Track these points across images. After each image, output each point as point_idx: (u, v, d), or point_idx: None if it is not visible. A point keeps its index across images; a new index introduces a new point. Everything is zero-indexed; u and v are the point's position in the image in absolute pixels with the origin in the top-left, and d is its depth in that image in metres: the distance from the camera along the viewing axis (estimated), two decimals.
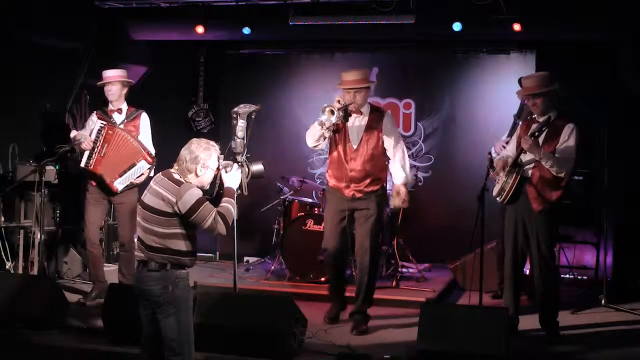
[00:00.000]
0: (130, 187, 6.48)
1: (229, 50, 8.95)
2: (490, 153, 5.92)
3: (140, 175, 6.48)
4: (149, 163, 6.47)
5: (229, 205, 4.15)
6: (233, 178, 4.28)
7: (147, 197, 4.06)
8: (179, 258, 4.04)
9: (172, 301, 4.00)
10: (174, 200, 3.97)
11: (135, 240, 4.22)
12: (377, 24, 7.37)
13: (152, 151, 6.55)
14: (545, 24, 7.34)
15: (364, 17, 7.38)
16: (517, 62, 8.15)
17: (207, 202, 4.04)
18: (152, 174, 6.47)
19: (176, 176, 4.06)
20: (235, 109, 4.51)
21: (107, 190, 6.45)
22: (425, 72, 8.55)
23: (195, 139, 4.19)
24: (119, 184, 6.42)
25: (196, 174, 4.10)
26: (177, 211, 3.97)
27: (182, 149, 4.12)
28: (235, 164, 4.34)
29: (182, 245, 4.04)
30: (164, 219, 3.99)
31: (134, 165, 6.43)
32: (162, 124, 7.01)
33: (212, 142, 4.18)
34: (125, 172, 6.42)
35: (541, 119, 5.44)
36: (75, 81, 8.06)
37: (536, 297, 5.61)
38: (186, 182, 4.05)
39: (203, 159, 4.08)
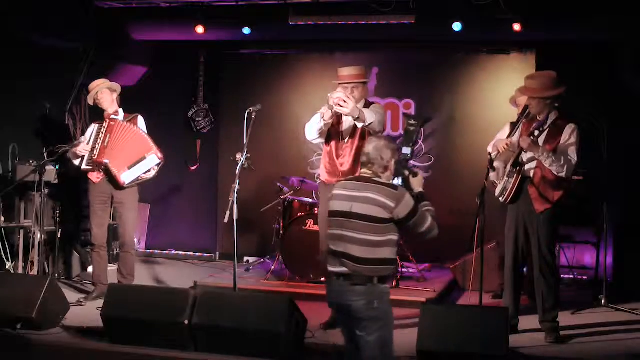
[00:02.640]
0: (134, 184, 6.47)
1: (229, 50, 8.95)
2: (490, 154, 5.91)
3: (148, 171, 6.46)
4: (159, 159, 6.45)
5: (431, 207, 4.12)
6: (419, 182, 4.25)
7: (356, 207, 3.95)
8: (387, 268, 3.97)
9: (376, 317, 3.90)
10: (393, 205, 3.91)
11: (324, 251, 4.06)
12: (377, 24, 7.38)
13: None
14: (545, 24, 7.34)
15: (364, 17, 7.39)
16: (517, 62, 8.15)
17: None
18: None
19: (381, 179, 4.03)
20: (412, 121, 4.54)
21: (113, 183, 6.42)
22: (425, 72, 8.54)
23: (371, 139, 4.18)
24: (126, 177, 6.38)
25: (390, 170, 4.10)
26: (395, 216, 3.92)
27: (370, 150, 4.06)
28: (419, 170, 4.30)
29: (390, 253, 3.99)
30: (380, 226, 3.92)
31: (144, 158, 6.40)
32: (162, 124, 7.01)
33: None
34: (134, 164, 6.39)
35: (540, 118, 5.44)
36: (75, 81, 8.07)
37: (536, 297, 5.61)
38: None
39: (393, 153, 4.10)
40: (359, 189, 4.01)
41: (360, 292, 3.89)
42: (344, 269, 3.95)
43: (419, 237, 4.00)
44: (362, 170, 4.12)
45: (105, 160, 6.35)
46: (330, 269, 4.03)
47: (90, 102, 6.61)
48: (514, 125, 6.22)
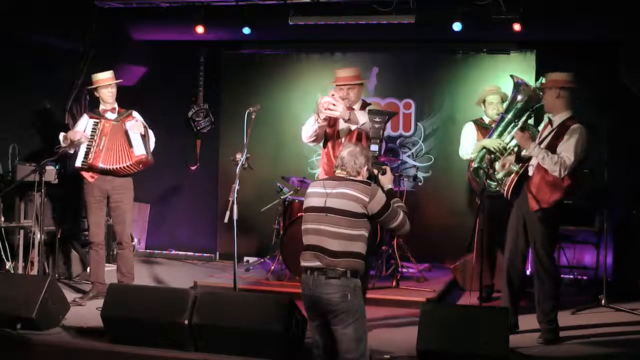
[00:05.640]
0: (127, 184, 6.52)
1: (229, 50, 8.95)
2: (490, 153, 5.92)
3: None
4: (144, 164, 6.54)
5: (402, 203, 4.30)
6: (389, 179, 4.45)
7: (331, 202, 4.12)
8: (359, 262, 4.10)
9: (350, 310, 4.03)
10: (367, 199, 4.06)
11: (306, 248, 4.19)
12: (377, 24, 7.39)
13: (150, 148, 6.58)
14: (545, 24, 7.34)
15: (364, 17, 7.39)
16: (517, 62, 8.15)
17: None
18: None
19: (357, 177, 4.19)
20: (376, 118, 4.63)
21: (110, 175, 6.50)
22: (425, 72, 8.54)
23: (347, 145, 4.38)
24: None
25: (362, 176, 4.25)
26: (369, 210, 4.07)
27: (344, 155, 4.26)
28: (387, 167, 4.50)
29: (362, 247, 4.12)
30: (354, 220, 4.07)
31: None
32: (162, 124, 7.01)
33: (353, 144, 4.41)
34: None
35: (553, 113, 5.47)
36: (75, 81, 8.07)
37: (535, 297, 5.61)
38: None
39: (366, 160, 4.27)
40: (333, 186, 4.17)
41: (335, 285, 4.02)
42: (318, 263, 4.08)
43: (391, 233, 4.18)
44: (337, 172, 4.29)
45: (101, 165, 6.43)
46: (305, 264, 4.16)
47: (93, 88, 6.62)
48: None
